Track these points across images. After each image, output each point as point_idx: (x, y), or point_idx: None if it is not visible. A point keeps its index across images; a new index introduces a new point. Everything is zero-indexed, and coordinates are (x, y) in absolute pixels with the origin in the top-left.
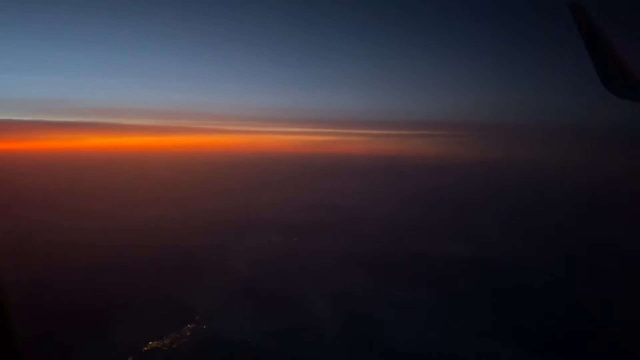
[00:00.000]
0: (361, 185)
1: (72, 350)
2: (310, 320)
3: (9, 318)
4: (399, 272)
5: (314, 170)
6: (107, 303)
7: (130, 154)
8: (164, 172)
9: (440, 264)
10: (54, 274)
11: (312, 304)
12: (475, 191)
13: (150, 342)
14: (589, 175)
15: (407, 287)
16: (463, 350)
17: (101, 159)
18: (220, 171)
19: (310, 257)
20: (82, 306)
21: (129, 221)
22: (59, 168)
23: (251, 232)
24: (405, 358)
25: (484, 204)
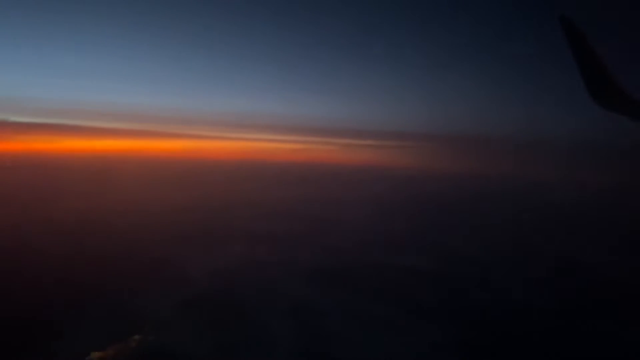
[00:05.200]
0: (329, 194)
1: None
2: (263, 334)
3: None
4: (360, 285)
5: (280, 179)
6: (51, 311)
7: (94, 157)
8: (128, 177)
9: (403, 276)
10: None
11: (268, 316)
12: (443, 202)
13: (92, 353)
14: (562, 188)
15: (367, 300)
16: None
17: (62, 162)
18: (186, 177)
19: (272, 267)
20: (24, 313)
21: (81, 226)
22: (18, 171)
23: (212, 241)
24: None
25: (451, 215)
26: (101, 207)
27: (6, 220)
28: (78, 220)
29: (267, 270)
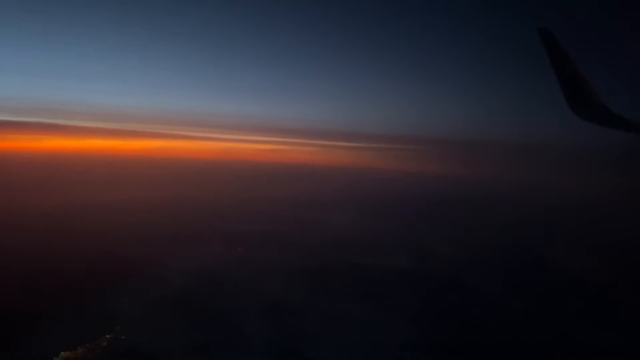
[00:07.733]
0: (311, 195)
1: None
2: (236, 334)
3: None
4: (337, 284)
5: (262, 179)
6: (25, 309)
7: (77, 156)
8: (110, 176)
9: (380, 277)
10: None
11: (243, 316)
12: (424, 204)
13: (62, 352)
14: (542, 193)
15: (343, 300)
16: None
17: (44, 161)
18: (167, 177)
19: (248, 267)
20: None
21: (59, 224)
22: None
23: (188, 240)
24: None
25: (430, 217)
26: (80, 206)
27: None
28: (56, 219)
29: (242, 269)
